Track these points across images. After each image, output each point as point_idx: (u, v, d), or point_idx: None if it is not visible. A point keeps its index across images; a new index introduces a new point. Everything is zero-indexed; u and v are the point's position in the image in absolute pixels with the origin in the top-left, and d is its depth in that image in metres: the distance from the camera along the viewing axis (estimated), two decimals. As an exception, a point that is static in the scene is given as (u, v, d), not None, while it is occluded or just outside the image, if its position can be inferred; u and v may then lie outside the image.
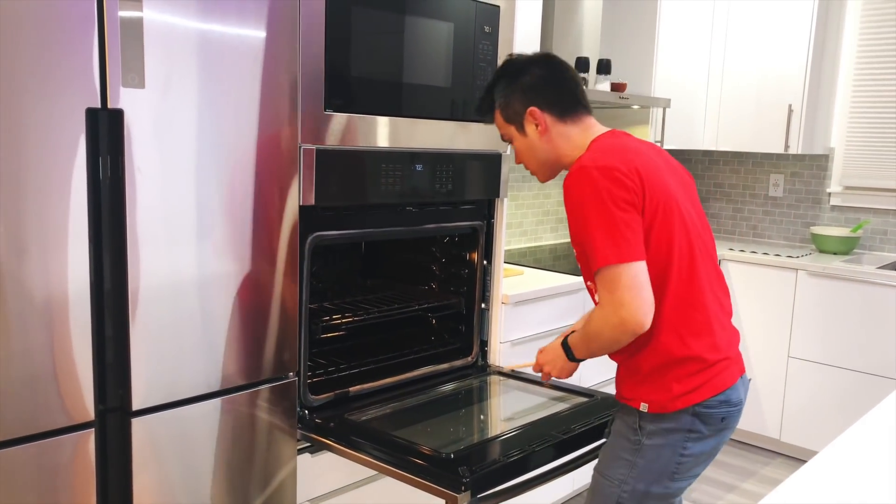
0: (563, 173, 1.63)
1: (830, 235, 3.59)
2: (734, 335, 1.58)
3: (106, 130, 1.39)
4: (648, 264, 1.44)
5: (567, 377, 1.70)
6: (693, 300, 1.49)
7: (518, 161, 1.69)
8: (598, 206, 1.41)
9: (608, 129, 1.63)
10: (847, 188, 3.73)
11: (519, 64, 1.62)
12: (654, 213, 1.46)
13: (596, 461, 1.65)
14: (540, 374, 1.75)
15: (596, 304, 1.52)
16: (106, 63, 1.35)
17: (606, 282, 1.42)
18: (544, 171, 1.66)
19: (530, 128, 1.60)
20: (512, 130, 1.64)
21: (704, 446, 1.49)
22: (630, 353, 1.53)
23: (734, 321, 1.62)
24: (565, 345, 1.63)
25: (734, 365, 1.53)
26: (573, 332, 1.65)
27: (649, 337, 1.48)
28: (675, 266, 1.48)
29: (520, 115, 1.60)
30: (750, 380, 1.69)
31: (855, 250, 3.67)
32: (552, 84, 1.59)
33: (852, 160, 3.69)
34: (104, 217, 1.42)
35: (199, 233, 1.54)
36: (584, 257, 1.52)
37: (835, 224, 3.79)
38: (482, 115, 1.71)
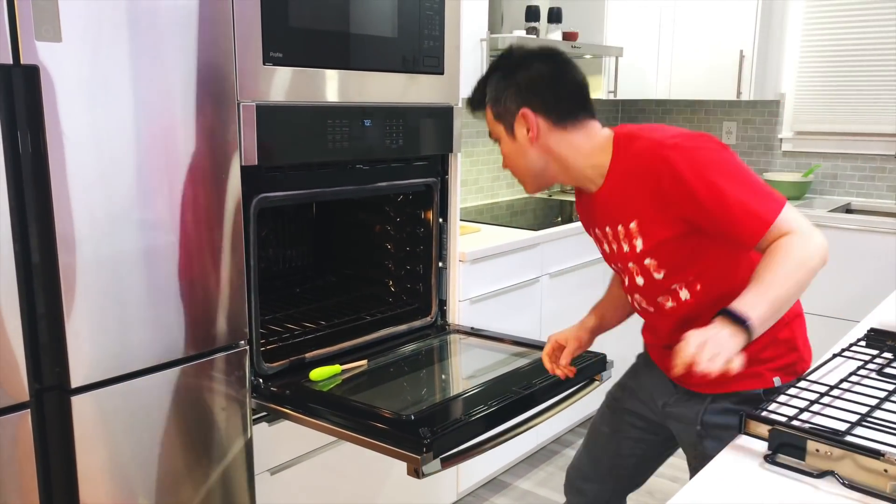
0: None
1: (783, 181, 3.62)
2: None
3: (21, 91, 1.28)
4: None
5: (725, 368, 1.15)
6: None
7: (504, 165, 1.51)
8: (723, 169, 1.28)
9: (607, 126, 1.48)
10: (798, 133, 3.75)
11: (518, 57, 1.43)
12: None
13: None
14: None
15: (634, 285, 1.46)
16: (16, 12, 1.24)
17: (783, 228, 1.24)
18: (532, 181, 1.49)
19: (520, 131, 1.42)
20: (501, 130, 1.46)
21: None
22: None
23: None
24: (736, 317, 1.17)
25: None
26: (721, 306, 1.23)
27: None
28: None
29: (511, 114, 1.42)
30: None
31: (807, 195, 3.70)
32: (553, 84, 1.41)
33: (803, 105, 3.71)
34: (26, 185, 1.32)
35: (136, 199, 1.45)
36: (648, 232, 1.36)
37: (787, 170, 3.82)
38: (473, 108, 1.51)
